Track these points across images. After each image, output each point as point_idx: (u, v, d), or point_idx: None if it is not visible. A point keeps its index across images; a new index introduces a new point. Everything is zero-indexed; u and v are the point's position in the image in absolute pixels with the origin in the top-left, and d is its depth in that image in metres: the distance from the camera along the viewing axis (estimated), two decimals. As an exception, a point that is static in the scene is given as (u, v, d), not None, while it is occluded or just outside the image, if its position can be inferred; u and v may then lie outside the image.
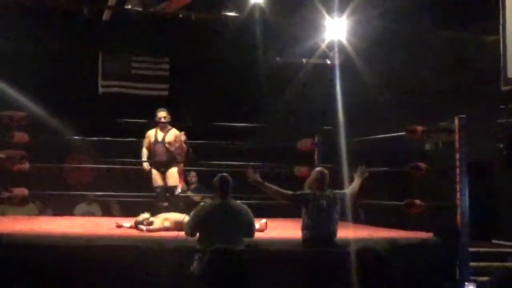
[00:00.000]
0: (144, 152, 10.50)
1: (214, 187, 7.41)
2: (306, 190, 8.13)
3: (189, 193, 12.08)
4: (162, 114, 10.45)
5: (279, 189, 8.02)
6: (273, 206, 9.79)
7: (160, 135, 10.42)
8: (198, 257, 7.02)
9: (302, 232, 8.03)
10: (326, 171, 8.24)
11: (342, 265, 7.63)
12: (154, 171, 10.42)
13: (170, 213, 9.39)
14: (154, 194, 10.49)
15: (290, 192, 8.06)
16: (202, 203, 7.77)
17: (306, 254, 7.94)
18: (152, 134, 10.47)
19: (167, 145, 10.36)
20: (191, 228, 7.38)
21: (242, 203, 7.67)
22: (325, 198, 7.94)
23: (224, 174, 7.46)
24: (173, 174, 10.36)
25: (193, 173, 12.54)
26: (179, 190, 10.45)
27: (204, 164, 11.19)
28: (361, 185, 8.54)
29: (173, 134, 10.42)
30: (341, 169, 10.49)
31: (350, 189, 8.44)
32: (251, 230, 7.46)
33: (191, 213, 7.54)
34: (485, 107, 10.74)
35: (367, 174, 8.59)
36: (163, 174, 10.36)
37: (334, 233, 7.98)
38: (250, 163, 9.95)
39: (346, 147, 10.81)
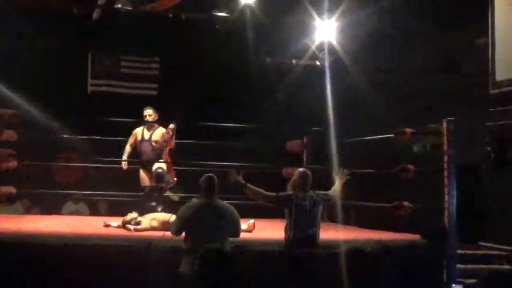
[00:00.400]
0: (127, 149, 10.49)
1: (200, 187, 7.39)
2: (289, 191, 8.04)
3: (168, 193, 12.13)
4: (147, 112, 10.47)
5: (261, 190, 7.95)
6: (261, 207, 9.78)
7: (146, 134, 10.42)
8: (187, 258, 6.96)
9: (285, 233, 7.96)
10: (309, 172, 8.16)
11: (326, 266, 7.72)
12: (141, 171, 10.42)
13: (157, 213, 9.39)
14: (142, 193, 10.47)
15: (273, 194, 7.96)
16: (188, 202, 7.73)
17: (292, 255, 7.92)
18: (139, 132, 10.47)
19: (153, 143, 10.35)
20: (177, 227, 7.36)
21: (230, 203, 7.65)
22: (308, 199, 7.88)
23: (210, 174, 7.46)
24: (159, 164, 10.31)
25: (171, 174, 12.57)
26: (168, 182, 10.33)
27: (190, 164, 11.16)
28: (344, 187, 8.47)
29: (160, 132, 10.43)
30: (330, 170, 10.51)
31: (332, 190, 8.38)
32: (237, 229, 7.47)
33: (178, 213, 7.49)
34: (474, 110, 10.76)
35: (348, 176, 8.54)
36: (150, 173, 10.34)
37: (317, 234, 7.93)
38: (238, 164, 9.98)
39: (335, 149, 10.82)
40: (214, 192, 7.35)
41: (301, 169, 8.27)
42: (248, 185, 7.87)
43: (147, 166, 10.38)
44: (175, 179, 11.62)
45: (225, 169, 9.26)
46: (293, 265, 7.79)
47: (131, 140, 10.49)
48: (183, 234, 7.28)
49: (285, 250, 7.92)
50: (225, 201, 7.59)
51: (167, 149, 10.49)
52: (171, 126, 10.32)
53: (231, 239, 7.37)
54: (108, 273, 7.54)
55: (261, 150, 12.18)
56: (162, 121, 10.61)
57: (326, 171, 10.62)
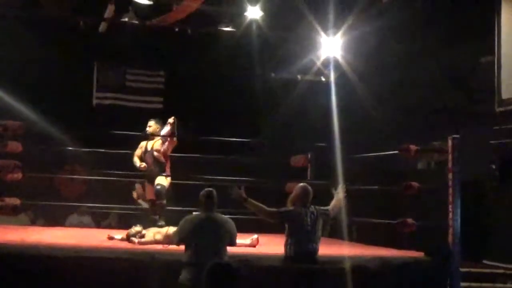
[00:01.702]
0: (136, 160, 10.45)
1: (200, 201, 7.50)
2: (290, 207, 7.99)
3: (140, 201, 12.26)
4: (148, 124, 10.46)
5: (262, 206, 7.90)
6: (265, 221, 9.79)
7: (149, 145, 10.42)
8: (187, 269, 7.08)
9: (284, 249, 7.90)
10: (309, 187, 8.10)
11: (329, 282, 7.70)
12: (146, 184, 10.41)
13: (162, 228, 9.39)
14: (146, 207, 10.48)
15: (274, 209, 7.92)
16: (187, 215, 7.80)
17: (296, 270, 7.91)
18: (144, 144, 10.47)
19: (155, 153, 10.30)
20: (179, 237, 7.47)
21: (235, 218, 7.70)
22: (309, 214, 7.84)
23: (210, 188, 7.60)
24: (160, 179, 10.27)
25: (138, 185, 12.62)
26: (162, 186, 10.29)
27: (193, 177, 11.15)
28: (339, 203, 8.41)
29: (159, 141, 10.36)
30: (333, 186, 10.52)
31: (331, 206, 8.33)
32: (233, 239, 7.54)
33: (179, 225, 7.56)
34: (479, 128, 10.77)
35: (345, 193, 8.49)
36: (154, 187, 10.32)
37: (316, 250, 7.90)
38: (242, 178, 9.99)
39: (340, 164, 10.82)
40: (213, 205, 7.47)
41: (301, 184, 8.17)
42: (250, 200, 7.84)
43: (150, 180, 10.35)
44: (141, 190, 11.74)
45: (228, 183, 9.29)
46: (296, 281, 7.78)
47: (138, 151, 10.48)
48: (183, 246, 7.35)
49: (285, 265, 7.89)
50: (225, 215, 7.64)
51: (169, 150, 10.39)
52: (170, 120, 10.26)
53: (237, 254, 7.48)
54: (112, 286, 7.53)
55: (265, 165, 12.18)
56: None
57: (329, 187, 10.63)
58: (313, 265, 7.76)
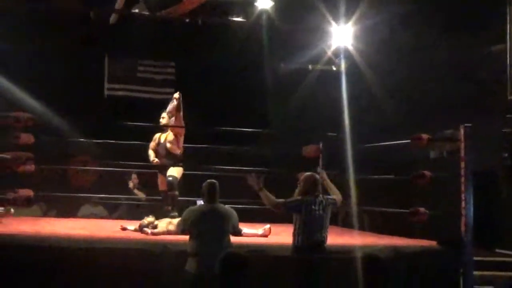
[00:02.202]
0: (150, 153, 10.47)
1: (203, 193, 7.65)
2: (298, 197, 7.90)
3: (136, 191, 12.35)
4: (162, 115, 10.47)
5: (273, 197, 7.87)
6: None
7: (162, 137, 10.43)
8: (192, 259, 7.23)
9: (293, 239, 7.82)
10: (317, 176, 8.05)
11: (339, 272, 7.70)
12: (159, 175, 10.43)
13: (174, 218, 9.42)
14: (160, 197, 10.51)
15: (282, 201, 7.81)
16: (191, 206, 7.88)
17: (305, 260, 7.91)
18: (157, 137, 10.49)
19: (167, 144, 10.32)
20: (181, 228, 7.69)
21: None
22: (318, 203, 7.82)
23: (212, 180, 7.74)
24: (172, 170, 10.26)
25: (134, 175, 12.70)
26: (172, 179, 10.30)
27: (203, 168, 11.16)
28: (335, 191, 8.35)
29: (171, 134, 10.36)
30: (345, 176, 10.53)
31: (335, 195, 8.26)
32: (236, 228, 7.74)
33: (182, 215, 7.72)
34: (491, 117, 10.73)
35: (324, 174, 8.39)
36: (166, 178, 10.34)
37: (325, 240, 7.87)
38: (253, 169, 9.99)
39: (351, 154, 10.81)
40: (216, 196, 7.61)
41: (309, 174, 8.06)
42: (264, 190, 7.82)
43: (163, 171, 10.37)
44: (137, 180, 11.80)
45: (239, 174, 9.30)
46: (308, 270, 7.79)
47: (152, 144, 10.50)
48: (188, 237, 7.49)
49: (297, 255, 7.87)
50: (227, 206, 7.81)
51: (180, 137, 10.38)
52: (176, 95, 10.25)
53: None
54: (125, 276, 7.57)
55: (276, 156, 12.19)
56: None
57: (341, 177, 10.64)
58: (321, 255, 7.74)
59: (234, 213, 7.69)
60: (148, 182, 12.42)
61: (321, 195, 7.85)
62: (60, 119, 11.61)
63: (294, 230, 7.81)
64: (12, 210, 10.52)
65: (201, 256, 7.15)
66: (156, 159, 10.35)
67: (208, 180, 7.74)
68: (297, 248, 7.76)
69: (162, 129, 10.47)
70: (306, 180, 7.95)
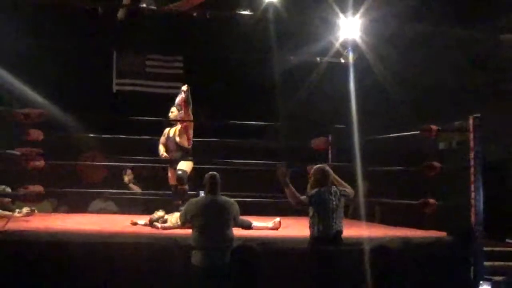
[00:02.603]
0: (160, 148, 10.48)
1: (204, 184, 7.80)
2: (315, 190, 7.86)
3: (131, 185, 12.39)
4: (171, 110, 10.48)
5: (298, 194, 7.87)
6: (286, 204, 9.79)
7: (171, 131, 10.44)
8: (196, 252, 7.33)
9: (311, 230, 7.82)
10: (327, 167, 8.04)
11: (351, 263, 7.70)
12: (169, 169, 10.44)
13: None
14: (170, 192, 10.52)
15: (305, 197, 7.82)
16: (193, 198, 7.94)
17: (317, 253, 7.90)
18: (167, 131, 10.49)
19: (176, 138, 10.32)
20: (183, 220, 7.81)
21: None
22: (333, 194, 7.84)
23: (213, 172, 7.90)
24: (182, 164, 10.26)
25: (129, 171, 12.74)
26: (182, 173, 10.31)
27: (212, 162, 11.16)
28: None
29: (180, 126, 10.36)
30: (355, 168, 10.52)
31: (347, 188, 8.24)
32: (237, 220, 7.89)
33: (184, 207, 7.86)
34: (500, 106, 10.70)
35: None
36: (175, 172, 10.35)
37: (341, 231, 7.88)
38: (261, 162, 10.00)
39: (360, 146, 10.80)
40: (217, 188, 7.76)
41: (319, 166, 8.06)
42: (290, 186, 7.80)
43: (173, 165, 10.38)
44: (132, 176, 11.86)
45: (250, 167, 9.32)
46: (320, 263, 7.79)
47: (162, 139, 10.51)
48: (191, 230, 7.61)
49: (311, 247, 7.86)
50: (228, 198, 7.88)
51: (189, 130, 10.36)
52: (184, 87, 10.25)
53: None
54: (135, 270, 7.60)
55: (285, 149, 12.18)
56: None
57: (350, 169, 10.64)
58: (338, 246, 7.73)
59: (236, 205, 7.80)
60: (144, 176, 12.53)
61: (333, 186, 7.85)
62: (69, 115, 11.62)
63: (312, 222, 7.79)
64: (36, 210, 10.64)
65: (204, 248, 7.27)
66: (165, 154, 10.36)
67: (210, 172, 7.89)
68: (316, 239, 7.74)
69: (171, 123, 10.47)
70: (317, 172, 7.96)
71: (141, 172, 13.02)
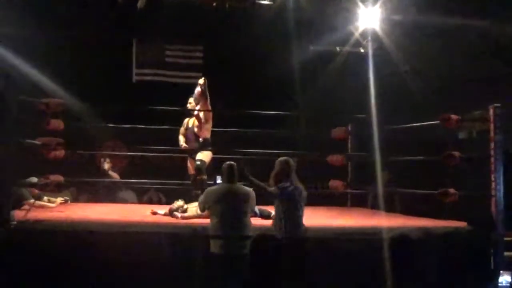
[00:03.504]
0: (180, 139, 10.50)
1: (222, 173, 7.97)
2: (285, 183, 7.76)
3: (110, 172, 12.50)
4: (189, 101, 10.48)
5: (264, 186, 7.80)
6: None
7: (190, 122, 10.45)
8: (215, 240, 7.46)
9: (276, 226, 7.73)
10: (291, 160, 7.97)
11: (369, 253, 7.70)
12: (188, 159, 10.46)
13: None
14: (189, 181, 10.54)
15: (273, 188, 7.79)
16: (211, 187, 8.01)
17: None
18: (186, 121, 10.51)
19: (195, 128, 10.32)
20: (202, 207, 7.96)
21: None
22: (297, 188, 7.77)
23: (231, 162, 8.04)
24: (200, 154, 10.25)
25: (107, 159, 12.78)
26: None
27: (233, 152, 11.15)
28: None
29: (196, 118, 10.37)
30: (374, 158, 10.51)
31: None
32: (253, 208, 8.01)
33: (203, 195, 7.98)
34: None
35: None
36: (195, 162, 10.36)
37: (302, 224, 7.79)
38: (280, 151, 10.00)
39: (380, 136, 10.78)
40: (234, 178, 7.89)
41: (283, 158, 7.97)
42: (253, 179, 7.84)
43: (192, 155, 10.39)
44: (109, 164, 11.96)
45: (267, 157, 9.32)
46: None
47: (181, 129, 10.53)
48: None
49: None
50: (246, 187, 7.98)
51: (208, 122, 10.34)
52: (200, 81, 10.22)
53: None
54: (155, 259, 7.63)
55: (304, 138, 12.18)
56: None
57: (370, 159, 10.64)
58: (302, 243, 7.69)
59: (253, 194, 7.87)
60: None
61: (296, 180, 7.88)
62: (88, 105, 11.66)
63: (278, 217, 7.74)
64: (69, 200, 10.81)
65: (223, 236, 7.43)
66: (184, 144, 10.38)
67: (227, 162, 8.03)
68: (283, 236, 7.58)
69: (191, 113, 10.48)
70: (282, 164, 7.91)
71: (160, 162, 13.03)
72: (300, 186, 7.85)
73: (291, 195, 7.72)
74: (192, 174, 10.35)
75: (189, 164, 10.42)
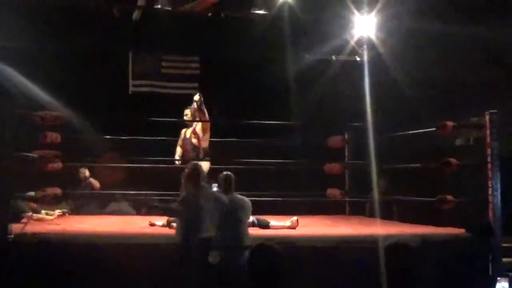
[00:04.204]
0: (177, 150, 10.52)
1: (220, 184, 8.09)
2: (183, 189, 8.08)
3: (91, 180, 12.65)
4: (185, 112, 10.47)
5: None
6: (305, 203, 9.79)
7: (188, 133, 10.45)
8: (213, 250, 7.49)
9: (179, 235, 7.76)
10: (200, 166, 8.19)
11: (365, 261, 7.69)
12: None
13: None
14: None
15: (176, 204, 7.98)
16: None
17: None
18: (183, 132, 10.52)
19: (193, 139, 10.32)
20: None
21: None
22: (202, 196, 7.80)
23: (228, 172, 8.17)
24: None
25: (82, 170, 12.79)
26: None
27: (229, 162, 11.15)
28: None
29: (195, 127, 10.37)
30: (371, 166, 10.51)
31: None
32: (249, 215, 8.19)
33: None
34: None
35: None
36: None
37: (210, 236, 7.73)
38: (278, 161, 10.02)
39: (377, 144, 10.78)
40: (231, 187, 8.02)
41: (193, 162, 8.37)
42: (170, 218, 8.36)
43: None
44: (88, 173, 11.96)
45: (266, 166, 9.33)
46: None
47: (179, 141, 10.54)
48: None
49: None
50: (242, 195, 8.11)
51: (203, 134, 10.34)
52: (196, 97, 10.21)
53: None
54: (153, 271, 7.61)
55: (301, 147, 12.18)
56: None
57: (367, 167, 10.64)
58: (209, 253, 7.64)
59: (248, 203, 8.01)
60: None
61: (208, 187, 8.21)
62: (85, 117, 11.66)
63: (180, 225, 7.85)
64: (67, 212, 10.84)
65: (221, 247, 7.49)
66: (178, 159, 10.39)
67: (224, 172, 8.16)
68: (185, 245, 7.63)
69: (187, 124, 10.48)
70: (192, 170, 8.03)
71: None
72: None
73: (190, 201, 7.77)
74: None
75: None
